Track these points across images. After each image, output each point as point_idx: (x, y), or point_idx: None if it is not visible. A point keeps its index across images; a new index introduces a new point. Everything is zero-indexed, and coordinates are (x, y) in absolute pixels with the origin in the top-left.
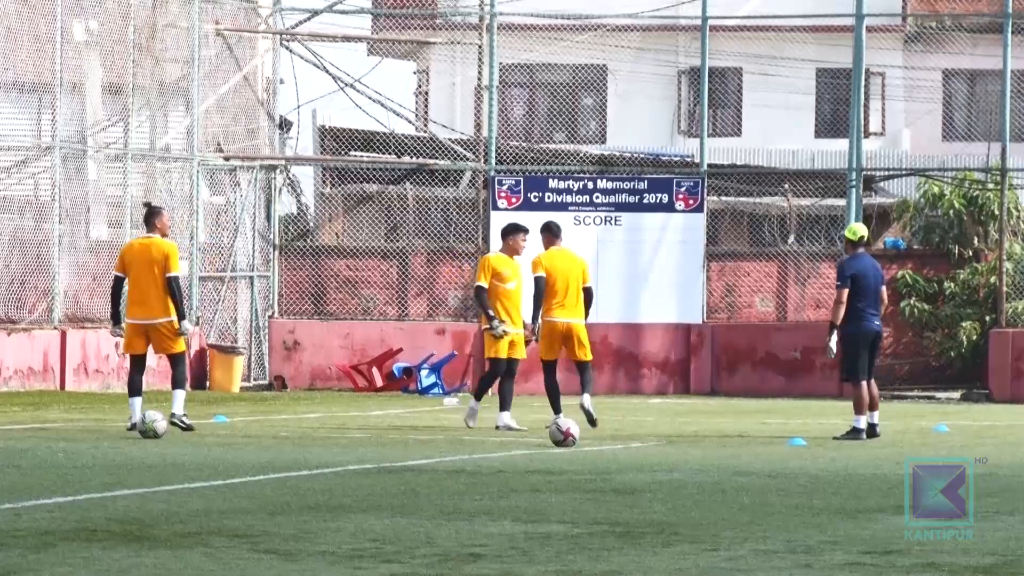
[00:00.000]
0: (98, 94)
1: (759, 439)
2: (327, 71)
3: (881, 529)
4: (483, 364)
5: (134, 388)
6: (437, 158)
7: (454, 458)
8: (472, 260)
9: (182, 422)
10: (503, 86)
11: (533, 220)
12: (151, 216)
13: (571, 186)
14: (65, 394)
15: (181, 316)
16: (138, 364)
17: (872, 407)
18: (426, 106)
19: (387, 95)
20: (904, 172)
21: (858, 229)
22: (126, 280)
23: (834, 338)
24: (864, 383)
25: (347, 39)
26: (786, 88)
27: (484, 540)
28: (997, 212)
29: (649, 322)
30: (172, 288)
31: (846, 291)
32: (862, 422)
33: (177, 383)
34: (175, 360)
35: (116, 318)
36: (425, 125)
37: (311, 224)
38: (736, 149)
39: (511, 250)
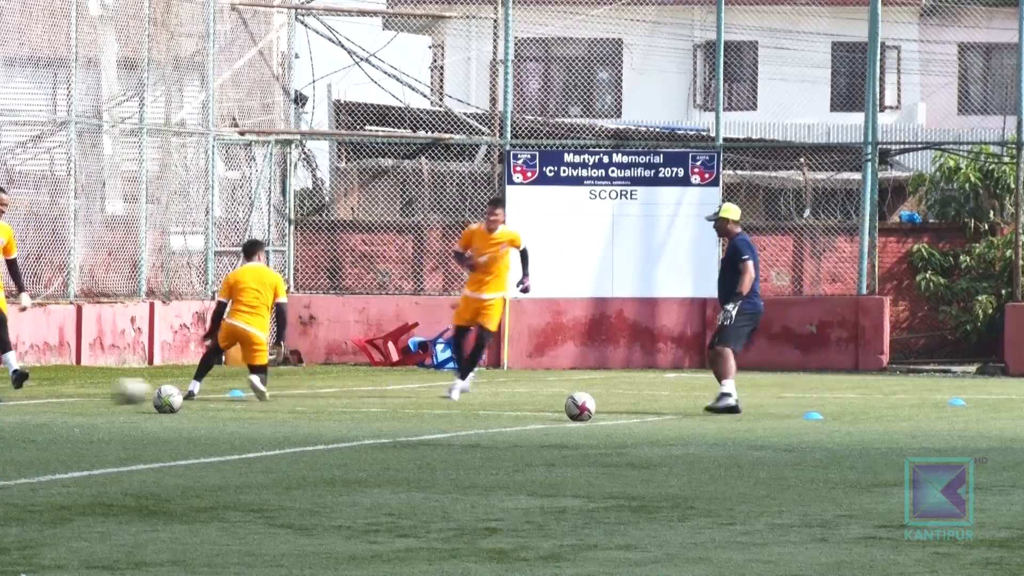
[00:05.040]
0: (113, 69)
1: (775, 413)
2: (342, 45)
3: (897, 503)
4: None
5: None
6: (452, 132)
7: (469, 432)
8: None
9: None
10: (518, 60)
11: (549, 194)
12: None
13: (586, 160)
14: (81, 369)
15: (21, 289)
16: None
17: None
18: (441, 80)
19: (402, 69)
20: (920, 146)
21: (735, 208)
22: None
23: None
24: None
25: (362, 13)
26: (802, 62)
27: (500, 515)
28: (1013, 185)
29: (664, 296)
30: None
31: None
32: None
33: None
34: None
35: None
36: (440, 99)
37: (326, 199)
38: (752, 123)
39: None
